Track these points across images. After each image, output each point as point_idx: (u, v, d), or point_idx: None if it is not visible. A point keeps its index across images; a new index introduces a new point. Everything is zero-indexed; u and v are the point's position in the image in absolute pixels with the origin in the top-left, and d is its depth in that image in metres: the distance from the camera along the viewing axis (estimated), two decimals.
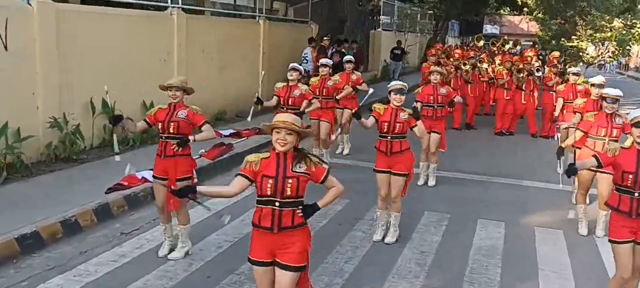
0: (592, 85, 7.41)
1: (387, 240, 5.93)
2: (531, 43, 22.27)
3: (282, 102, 7.73)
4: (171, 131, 5.15)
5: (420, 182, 8.23)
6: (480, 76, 13.28)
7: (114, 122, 5.40)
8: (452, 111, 8.57)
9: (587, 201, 6.75)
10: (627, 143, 4.28)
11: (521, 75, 11.84)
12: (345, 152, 10.00)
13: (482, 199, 7.66)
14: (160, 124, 5.20)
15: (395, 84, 5.89)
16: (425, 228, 6.42)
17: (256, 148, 9.28)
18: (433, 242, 6.04)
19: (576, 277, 5.28)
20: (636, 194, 4.10)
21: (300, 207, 3.52)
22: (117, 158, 5.65)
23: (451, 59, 14.39)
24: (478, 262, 5.55)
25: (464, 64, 12.93)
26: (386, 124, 5.76)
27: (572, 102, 8.44)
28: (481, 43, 19.67)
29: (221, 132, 6.78)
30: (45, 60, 7.66)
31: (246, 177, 3.49)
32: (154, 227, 6.05)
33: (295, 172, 3.45)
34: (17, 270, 4.89)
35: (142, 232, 5.92)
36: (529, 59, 13.98)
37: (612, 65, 31.87)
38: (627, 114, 5.05)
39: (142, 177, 6.81)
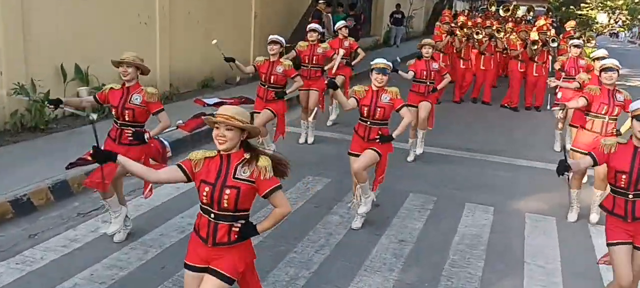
0: (595, 59, 6.88)
1: (360, 210, 5.46)
2: (545, 9, 21.40)
3: (263, 79, 7.16)
4: (126, 119, 4.70)
5: (410, 158, 7.81)
6: (496, 47, 12.23)
7: (53, 105, 4.93)
8: (438, 91, 7.97)
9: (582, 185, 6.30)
10: (624, 130, 3.80)
11: (535, 47, 11.08)
12: (332, 117, 9.51)
13: (472, 180, 7.22)
14: (114, 109, 4.76)
15: (377, 61, 5.37)
16: (408, 213, 6.00)
17: None
18: (414, 229, 5.63)
19: (564, 273, 4.87)
20: (630, 196, 3.65)
21: (240, 221, 3.04)
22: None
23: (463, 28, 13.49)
24: (460, 254, 5.14)
25: (477, 33, 12.05)
26: (366, 108, 5.27)
27: (573, 78, 7.92)
28: (493, 8, 18.72)
29: (205, 100, 6.29)
30: (9, 19, 7.16)
31: (182, 171, 3.05)
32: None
33: (237, 179, 2.96)
34: None
35: (100, 212, 5.50)
36: (543, 28, 13.23)
37: (624, 34, 30.97)
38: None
39: None
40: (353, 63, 9.38)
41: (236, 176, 2.96)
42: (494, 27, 12.60)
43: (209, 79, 11.44)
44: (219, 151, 3.00)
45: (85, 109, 5.10)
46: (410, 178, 7.08)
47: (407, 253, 5.09)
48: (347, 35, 9.28)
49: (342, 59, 8.87)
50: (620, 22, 15.74)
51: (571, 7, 15.66)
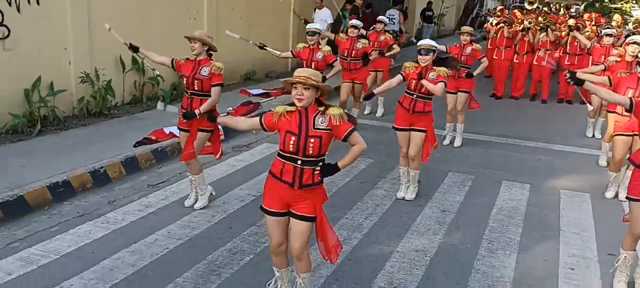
0: (628, 43, 7.14)
1: (406, 196, 5.95)
2: (581, 6, 21.05)
3: (305, 65, 7.64)
4: (196, 89, 5.23)
5: (446, 141, 8.20)
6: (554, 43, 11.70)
7: (132, 49, 5.85)
8: (473, 75, 8.24)
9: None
10: None
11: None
12: (379, 114, 9.89)
13: (508, 162, 7.58)
14: (185, 79, 5.28)
15: (422, 43, 5.82)
16: (448, 188, 6.41)
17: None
18: (455, 201, 6.03)
19: (598, 240, 5.21)
20: None
21: (321, 164, 3.51)
22: (160, 106, 5.76)
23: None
24: (499, 222, 5.53)
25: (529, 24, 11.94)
26: (413, 81, 5.72)
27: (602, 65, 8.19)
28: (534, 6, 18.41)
29: (250, 91, 6.87)
30: (77, 15, 7.81)
31: (261, 124, 3.54)
32: (180, 180, 6.20)
33: (317, 129, 3.43)
34: (48, 216, 5.11)
35: (168, 185, 6.07)
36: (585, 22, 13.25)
37: None
38: None
39: (170, 132, 6.99)
40: (387, 54, 9.70)
41: (316, 127, 3.43)
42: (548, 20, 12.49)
43: (252, 72, 11.99)
44: (297, 107, 3.46)
45: (156, 66, 5.62)
46: (449, 160, 7.48)
47: (450, 221, 5.50)
48: (382, 30, 9.71)
49: (378, 52, 9.36)
50: None
51: (606, 0, 15.78)
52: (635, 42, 6.95)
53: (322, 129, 3.44)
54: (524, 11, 15.34)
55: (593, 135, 8.99)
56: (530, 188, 6.53)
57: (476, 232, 5.28)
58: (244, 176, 6.44)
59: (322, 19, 12.72)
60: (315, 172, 3.49)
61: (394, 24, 14.68)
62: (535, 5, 16.40)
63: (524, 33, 11.84)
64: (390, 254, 4.73)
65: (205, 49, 5.27)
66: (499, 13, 14.19)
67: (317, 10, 13.20)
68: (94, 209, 5.32)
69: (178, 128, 5.44)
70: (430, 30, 22.43)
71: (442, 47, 5.84)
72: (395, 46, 9.59)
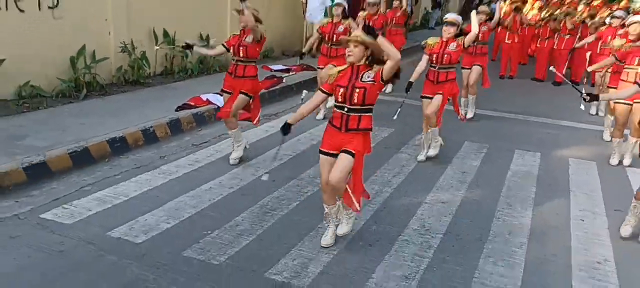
0: (632, 23, 7.62)
1: (430, 152, 6.49)
2: None
3: (327, 38, 8.09)
4: (241, 55, 5.76)
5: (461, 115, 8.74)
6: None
7: (185, 47, 6.05)
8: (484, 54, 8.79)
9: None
10: None
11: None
12: (388, 90, 10.34)
13: (519, 134, 8.12)
14: (232, 48, 5.80)
15: (447, 16, 6.36)
16: (466, 154, 6.96)
17: (305, 82, 9.90)
18: (472, 166, 6.58)
19: (605, 199, 5.77)
20: None
21: (367, 113, 4.04)
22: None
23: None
24: (514, 182, 6.09)
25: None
26: (435, 55, 6.25)
27: (608, 46, 8.73)
28: None
29: (272, 67, 7.43)
30: None
31: (323, 91, 4.08)
32: (220, 141, 6.74)
33: (363, 82, 3.98)
34: (110, 167, 5.66)
35: (210, 145, 6.61)
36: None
37: None
38: None
39: (207, 99, 7.55)
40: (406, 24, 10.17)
41: (363, 80, 3.97)
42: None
43: (270, 49, 12.47)
44: (350, 64, 4.00)
45: (212, 54, 6.12)
46: (464, 131, 8.01)
47: (470, 180, 6.06)
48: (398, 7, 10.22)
49: (395, 26, 9.86)
50: None
51: None
52: (635, 22, 7.47)
53: (368, 82, 3.97)
54: None
55: (597, 113, 9.52)
56: (540, 157, 7.07)
57: (495, 190, 5.83)
58: (278, 139, 6.93)
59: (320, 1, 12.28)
60: (361, 118, 4.01)
61: (408, 5, 15.23)
62: None
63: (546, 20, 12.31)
64: (420, 204, 5.29)
65: (251, 21, 5.77)
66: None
67: None
68: (149, 162, 5.86)
69: (222, 91, 5.96)
70: (437, 15, 22.92)
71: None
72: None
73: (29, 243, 4.05)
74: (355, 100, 3.98)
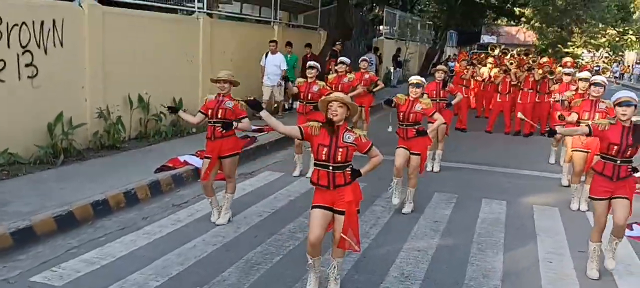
0: (579, 79, 8.26)
1: (404, 210, 6.81)
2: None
3: (302, 97, 8.48)
4: (219, 116, 5.99)
5: (428, 168, 9.13)
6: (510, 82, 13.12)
7: (169, 110, 6.26)
8: (452, 109, 9.30)
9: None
10: (613, 119, 5.12)
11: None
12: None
13: (485, 183, 8.53)
14: (209, 111, 6.04)
15: (412, 78, 6.81)
16: (437, 204, 7.29)
17: (277, 141, 10.18)
18: (444, 215, 6.90)
19: (570, 241, 6.12)
20: (618, 162, 4.98)
21: (349, 168, 4.34)
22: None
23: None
24: (484, 229, 6.41)
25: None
26: (402, 113, 6.67)
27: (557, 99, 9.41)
28: (496, 52, 19.36)
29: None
30: (93, 57, 8.54)
31: (301, 131, 4.35)
32: (199, 201, 6.89)
33: (345, 142, 4.28)
34: (94, 229, 5.74)
35: (190, 205, 6.76)
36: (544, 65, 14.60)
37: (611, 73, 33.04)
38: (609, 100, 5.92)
39: (184, 160, 7.78)
40: (374, 90, 10.70)
41: (344, 140, 4.26)
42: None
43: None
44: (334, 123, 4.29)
45: (194, 123, 6.29)
46: (434, 183, 8.38)
47: (443, 229, 6.36)
48: (366, 69, 10.72)
49: (362, 88, 10.30)
50: (604, 58, 17.43)
51: (558, 46, 17.32)
52: (583, 79, 8.10)
53: (348, 143, 4.28)
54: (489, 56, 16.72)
55: (555, 162, 10.05)
56: (506, 204, 7.45)
57: (466, 236, 6.14)
58: (256, 197, 7.18)
59: (275, 64, 12.68)
60: (346, 173, 4.30)
61: (372, 66, 15.99)
62: (496, 52, 17.78)
63: (506, 74, 13.05)
64: (397, 253, 5.54)
65: (231, 86, 6.06)
66: (465, 57, 15.55)
67: (269, 54, 12.86)
68: (132, 223, 5.97)
69: (205, 156, 6.14)
70: (398, 74, 23.81)
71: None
72: (379, 82, 10.57)
73: None
74: (339, 159, 4.26)
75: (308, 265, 4.56)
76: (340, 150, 4.25)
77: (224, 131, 6.01)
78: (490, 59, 15.01)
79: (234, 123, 6.05)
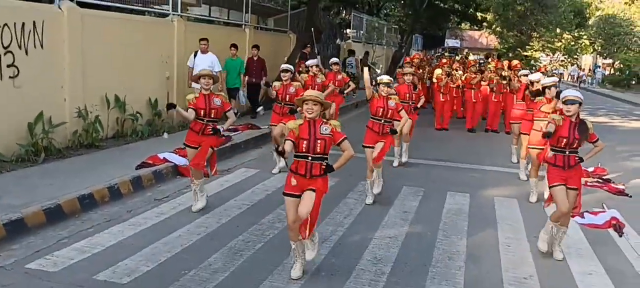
0: (531, 82, 8.89)
1: (375, 190, 7.27)
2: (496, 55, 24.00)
3: (280, 98, 8.85)
4: (212, 116, 6.38)
5: (395, 163, 9.61)
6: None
7: (168, 107, 6.60)
8: (418, 109, 9.88)
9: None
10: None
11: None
12: (404, 160, 10.01)
13: (449, 179, 9.04)
14: (201, 110, 6.38)
15: (382, 78, 7.26)
16: (405, 197, 7.75)
17: (251, 139, 10.53)
18: (412, 206, 7.37)
19: (527, 229, 6.64)
20: (567, 152, 5.52)
21: (325, 161, 4.76)
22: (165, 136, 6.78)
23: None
24: (450, 218, 6.90)
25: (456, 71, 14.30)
26: (381, 108, 7.11)
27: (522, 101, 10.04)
28: (471, 57, 20.61)
29: (219, 127, 8.07)
30: (72, 58, 8.73)
31: (292, 141, 4.72)
32: (180, 195, 7.19)
33: (322, 134, 4.69)
34: (82, 221, 6.01)
35: (171, 199, 7.05)
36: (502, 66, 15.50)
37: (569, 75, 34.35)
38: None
39: (164, 158, 8.06)
40: (345, 92, 11.17)
41: (321, 133, 4.67)
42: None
43: None
44: (305, 119, 4.69)
45: (189, 119, 6.59)
46: (401, 177, 8.85)
47: (411, 218, 6.82)
48: (338, 70, 11.18)
49: (339, 90, 10.77)
50: (560, 61, 18.34)
51: (518, 49, 18.13)
52: (550, 86, 8.63)
53: (325, 134, 4.69)
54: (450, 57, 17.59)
55: (517, 161, 10.61)
56: (470, 197, 7.96)
57: (433, 225, 6.60)
58: (234, 192, 7.52)
59: (206, 65, 10.82)
60: (322, 166, 4.72)
61: (352, 67, 16.81)
62: (459, 57, 18.66)
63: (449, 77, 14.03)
64: (370, 240, 5.96)
65: (212, 82, 6.41)
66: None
67: (199, 53, 11.52)
68: (117, 216, 6.25)
69: (187, 146, 6.50)
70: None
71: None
72: (351, 83, 11.03)
73: None
74: (318, 150, 4.67)
75: (292, 250, 4.92)
76: (319, 141, 4.66)
77: (213, 134, 6.46)
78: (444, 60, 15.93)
79: (220, 130, 6.43)
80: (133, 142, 9.71)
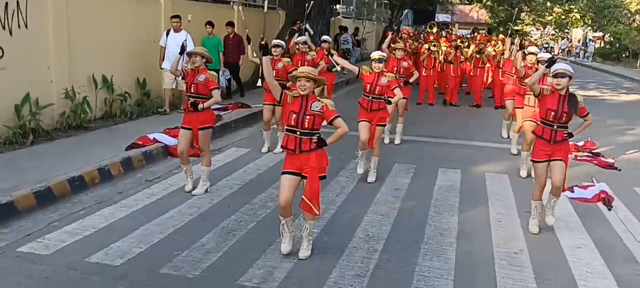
0: (529, 53, 8.83)
1: (369, 179, 7.25)
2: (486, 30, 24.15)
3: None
4: (192, 91, 6.30)
5: (387, 141, 9.60)
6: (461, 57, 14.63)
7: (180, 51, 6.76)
8: (410, 84, 9.83)
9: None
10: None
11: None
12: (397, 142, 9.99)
13: (440, 155, 9.07)
14: (186, 84, 6.34)
15: (374, 54, 7.21)
16: (397, 174, 7.76)
17: (241, 118, 10.49)
18: (404, 183, 7.38)
19: (518, 204, 6.68)
20: (555, 127, 5.54)
21: (316, 136, 4.73)
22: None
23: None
24: (441, 194, 6.92)
25: (434, 46, 14.26)
26: (369, 85, 7.07)
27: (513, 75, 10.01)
28: (434, 30, 20.98)
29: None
30: (58, 38, 8.60)
31: (280, 95, 4.75)
32: (170, 176, 7.17)
33: (312, 111, 4.66)
34: (72, 204, 5.97)
35: (162, 180, 7.02)
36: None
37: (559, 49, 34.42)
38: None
39: (154, 138, 8.01)
40: (332, 69, 11.06)
41: (312, 109, 4.65)
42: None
43: None
44: (299, 94, 4.66)
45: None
46: (393, 154, 8.86)
47: (403, 195, 6.84)
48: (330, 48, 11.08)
49: (327, 68, 10.67)
50: (551, 35, 18.33)
51: (509, 24, 18.06)
52: (531, 53, 8.65)
53: (315, 111, 4.67)
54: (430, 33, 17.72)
55: (508, 136, 10.64)
56: (461, 173, 7.98)
57: (425, 201, 6.63)
58: (225, 171, 7.49)
59: (177, 44, 8.89)
60: (312, 141, 4.69)
61: (348, 43, 16.94)
62: (434, 30, 18.64)
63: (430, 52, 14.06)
64: (362, 217, 5.98)
65: (204, 61, 6.34)
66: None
67: (171, 32, 10.75)
68: (108, 198, 6.22)
69: (181, 127, 6.44)
70: (356, 53, 24.25)
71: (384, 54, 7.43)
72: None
73: (14, 273, 4.36)
74: (306, 126, 4.65)
75: (281, 225, 4.93)
76: (308, 117, 4.64)
77: (193, 110, 6.31)
78: (431, 37, 15.93)
79: (199, 106, 6.31)
80: (122, 123, 9.64)
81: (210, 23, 12.07)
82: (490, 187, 7.39)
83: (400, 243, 5.35)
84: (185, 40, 9.36)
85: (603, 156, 9.06)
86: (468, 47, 15.24)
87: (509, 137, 10.55)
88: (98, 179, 6.63)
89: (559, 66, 5.57)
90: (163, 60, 10.70)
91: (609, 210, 6.58)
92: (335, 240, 5.35)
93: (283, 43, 8.98)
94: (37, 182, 5.97)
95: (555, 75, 5.47)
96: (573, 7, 17.14)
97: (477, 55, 14.28)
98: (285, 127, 4.77)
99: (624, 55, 36.35)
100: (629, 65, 32.01)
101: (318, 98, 4.76)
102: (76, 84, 9.02)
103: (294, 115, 4.67)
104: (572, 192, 7.03)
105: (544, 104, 5.57)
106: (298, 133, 4.69)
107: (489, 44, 15.27)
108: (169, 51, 10.48)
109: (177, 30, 10.69)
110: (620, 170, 8.40)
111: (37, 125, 8.11)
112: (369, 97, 7.13)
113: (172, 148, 8.00)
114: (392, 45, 9.93)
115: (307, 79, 4.65)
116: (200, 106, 6.26)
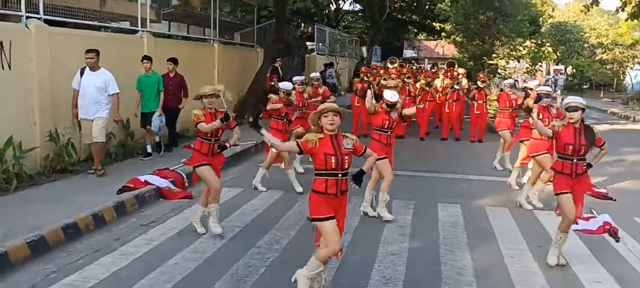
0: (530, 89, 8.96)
1: (385, 217, 7.09)
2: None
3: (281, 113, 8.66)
4: (219, 135, 6.10)
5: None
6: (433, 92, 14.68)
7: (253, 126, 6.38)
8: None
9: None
10: (565, 121, 5.61)
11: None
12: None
13: (437, 190, 8.96)
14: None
15: (390, 99, 7.02)
16: (397, 210, 7.59)
17: (231, 157, 10.21)
18: (406, 220, 7.22)
19: (525, 237, 6.59)
20: (575, 160, 5.48)
21: (356, 172, 4.64)
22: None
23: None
24: (447, 230, 6.78)
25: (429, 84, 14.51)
26: (387, 121, 6.95)
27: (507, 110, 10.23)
28: (395, 65, 20.72)
29: (192, 145, 7.77)
30: (41, 79, 8.26)
31: (299, 146, 4.49)
32: (166, 220, 6.85)
33: (347, 149, 4.50)
34: (68, 253, 5.59)
35: (158, 224, 6.68)
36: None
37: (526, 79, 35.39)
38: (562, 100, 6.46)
39: (145, 180, 7.69)
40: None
41: (346, 148, 4.49)
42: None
43: (185, 128, 12.67)
44: (326, 133, 4.46)
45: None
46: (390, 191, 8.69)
47: (409, 233, 6.67)
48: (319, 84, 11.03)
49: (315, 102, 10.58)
50: (524, 69, 18.75)
51: (484, 58, 18.41)
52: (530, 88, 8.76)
53: (349, 149, 4.53)
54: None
55: (503, 168, 10.61)
56: (461, 207, 7.88)
57: (433, 239, 6.47)
58: (222, 213, 7.10)
59: (95, 84, 8.45)
60: (346, 180, 4.53)
61: (332, 78, 17.05)
62: (396, 64, 18.83)
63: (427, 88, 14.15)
64: (374, 258, 5.77)
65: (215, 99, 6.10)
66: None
67: (87, 70, 8.50)
68: (105, 245, 5.86)
69: (203, 165, 6.17)
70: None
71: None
72: (332, 97, 10.87)
73: None
74: (346, 166, 4.47)
75: (317, 272, 4.59)
76: (346, 158, 4.46)
77: (220, 151, 6.25)
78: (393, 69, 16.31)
79: (227, 145, 6.21)
80: (106, 165, 9.25)
81: (147, 58, 10.22)
82: (494, 221, 7.28)
83: (420, 285, 5.15)
84: (108, 81, 8.47)
85: (596, 187, 9.10)
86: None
87: (504, 168, 10.55)
88: (92, 225, 6.26)
89: (570, 99, 5.55)
90: (76, 106, 8.56)
91: (617, 241, 6.54)
92: (353, 282, 5.13)
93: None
94: (30, 230, 5.59)
95: (568, 109, 5.43)
96: (547, 41, 17.63)
97: (426, 88, 14.46)
98: (321, 171, 4.48)
99: (585, 87, 37.49)
100: (592, 97, 32.95)
101: (344, 134, 4.58)
102: (60, 125, 8.64)
103: (333, 158, 4.43)
104: (577, 224, 6.96)
105: (559, 139, 5.52)
106: (340, 176, 4.47)
107: (435, 77, 15.59)
108: (85, 95, 8.42)
109: (93, 69, 8.47)
110: (615, 200, 8.43)
111: (20, 170, 7.70)
112: (387, 132, 7.04)
113: (165, 190, 7.70)
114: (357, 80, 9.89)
115: (334, 113, 4.45)
116: (228, 145, 6.16)
